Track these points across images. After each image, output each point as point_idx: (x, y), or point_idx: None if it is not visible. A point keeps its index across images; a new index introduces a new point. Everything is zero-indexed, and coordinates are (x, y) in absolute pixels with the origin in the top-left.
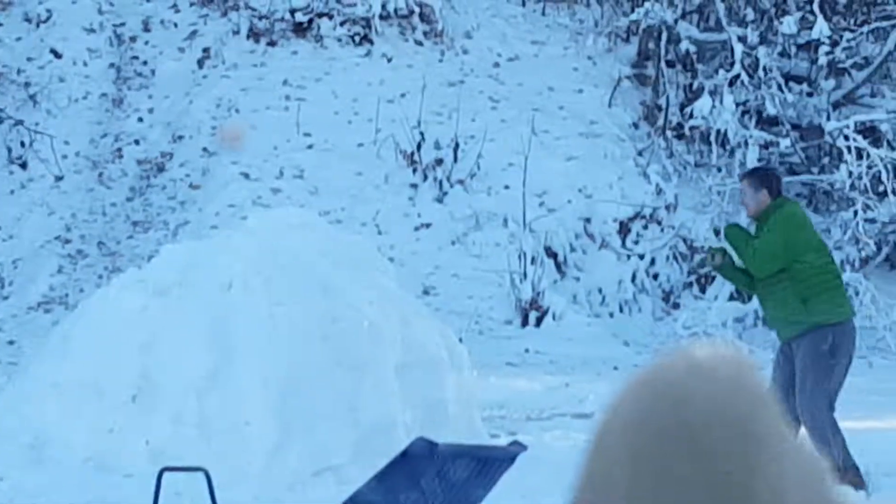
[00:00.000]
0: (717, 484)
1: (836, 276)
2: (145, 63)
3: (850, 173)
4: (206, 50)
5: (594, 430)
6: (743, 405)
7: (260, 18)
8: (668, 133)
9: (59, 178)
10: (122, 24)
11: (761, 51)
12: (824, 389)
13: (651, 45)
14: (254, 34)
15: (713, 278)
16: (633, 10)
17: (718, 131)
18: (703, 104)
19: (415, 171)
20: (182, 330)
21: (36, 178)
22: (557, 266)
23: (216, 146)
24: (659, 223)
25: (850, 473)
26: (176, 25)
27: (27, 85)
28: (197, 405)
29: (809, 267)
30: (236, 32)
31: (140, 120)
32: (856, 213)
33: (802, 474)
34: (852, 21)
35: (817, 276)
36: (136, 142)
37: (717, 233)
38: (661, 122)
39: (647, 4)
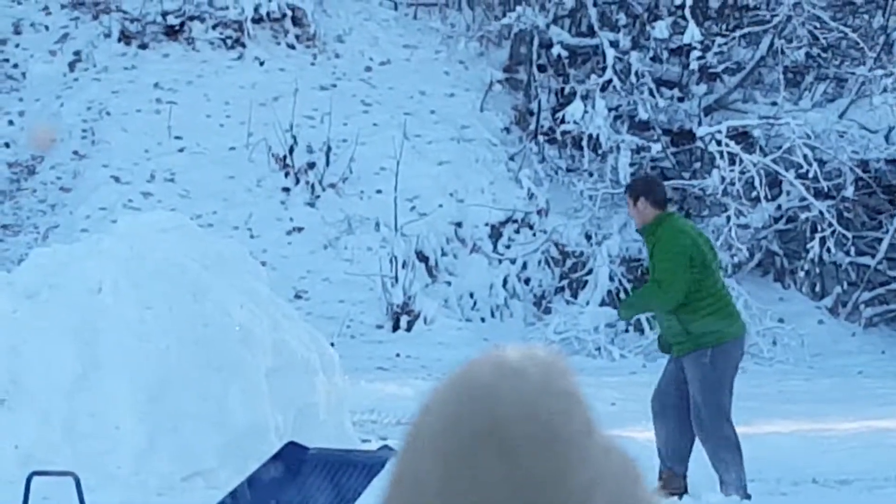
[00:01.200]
0: (526, 483)
1: (716, 299)
2: (16, 66)
3: (723, 178)
4: (77, 53)
5: (405, 434)
6: (552, 404)
7: (131, 21)
8: (540, 138)
9: None
10: None
11: (633, 56)
12: (714, 404)
13: (523, 50)
14: (125, 37)
15: (584, 283)
16: (504, 15)
17: (590, 136)
18: (575, 109)
19: (287, 174)
20: (51, 333)
21: None
22: (429, 270)
23: (32, 148)
24: (531, 228)
25: (741, 492)
26: (47, 28)
27: None
28: (66, 409)
29: (692, 290)
30: (108, 35)
31: (10, 123)
32: (728, 218)
33: (613, 475)
34: (724, 26)
35: (698, 300)
36: (7, 145)
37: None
38: (532, 126)
39: (518, 9)
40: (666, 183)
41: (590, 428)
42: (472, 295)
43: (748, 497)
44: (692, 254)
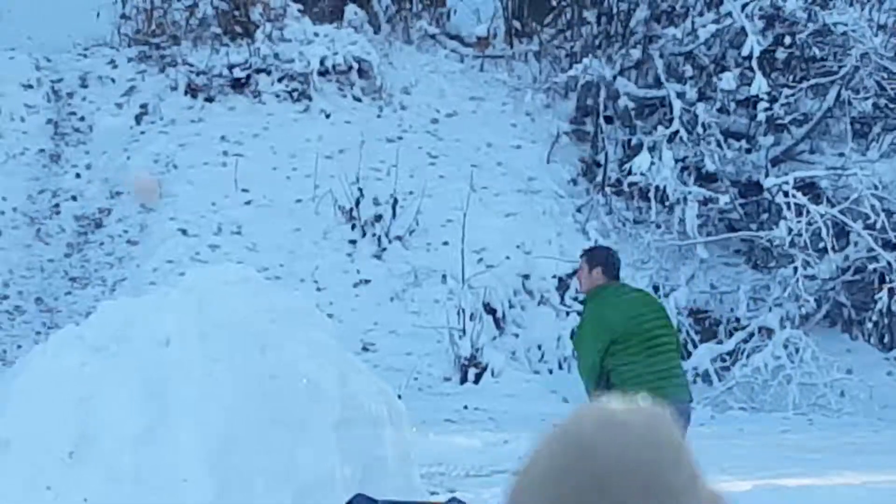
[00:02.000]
0: None
1: (633, 375)
2: (83, 119)
3: (790, 230)
4: (143, 106)
5: (509, 488)
6: (655, 456)
7: (198, 74)
8: (607, 189)
9: None
10: (60, 80)
11: (700, 107)
12: None
13: (589, 101)
14: (192, 90)
15: None
16: (571, 67)
17: (657, 188)
18: (642, 160)
19: (353, 227)
20: (119, 386)
21: None
22: (496, 322)
23: (136, 199)
24: None
25: None
26: (114, 81)
27: None
28: (134, 461)
29: (617, 362)
30: (174, 88)
31: (78, 176)
32: (795, 269)
33: None
34: (791, 77)
35: (613, 367)
36: (74, 198)
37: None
38: (599, 178)
39: (585, 60)
40: (734, 234)
41: (695, 476)
42: (539, 347)
43: None
44: (613, 324)
